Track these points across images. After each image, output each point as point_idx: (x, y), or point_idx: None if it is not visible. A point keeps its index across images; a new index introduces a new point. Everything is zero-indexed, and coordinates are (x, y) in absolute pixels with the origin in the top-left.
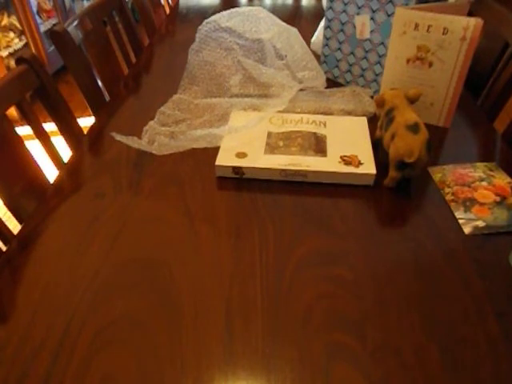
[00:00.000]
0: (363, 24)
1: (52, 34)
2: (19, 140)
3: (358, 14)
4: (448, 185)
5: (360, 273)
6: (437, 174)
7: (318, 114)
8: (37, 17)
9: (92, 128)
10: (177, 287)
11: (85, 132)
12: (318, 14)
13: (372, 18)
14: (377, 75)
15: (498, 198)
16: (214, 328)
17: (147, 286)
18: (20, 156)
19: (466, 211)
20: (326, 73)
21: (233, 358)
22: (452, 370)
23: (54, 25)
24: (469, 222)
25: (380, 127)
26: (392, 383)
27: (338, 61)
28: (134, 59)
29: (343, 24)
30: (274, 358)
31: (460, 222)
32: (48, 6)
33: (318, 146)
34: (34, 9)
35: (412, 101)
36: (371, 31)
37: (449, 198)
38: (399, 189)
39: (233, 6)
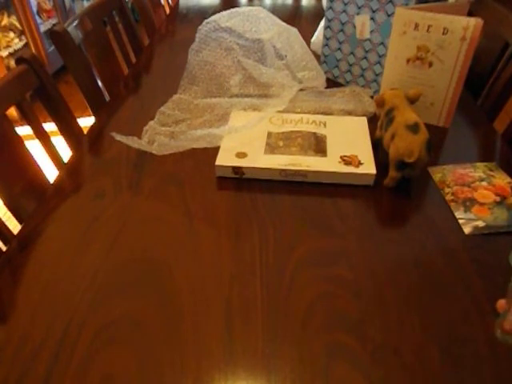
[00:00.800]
0: (363, 24)
1: (52, 33)
2: (19, 140)
3: (357, 13)
4: (448, 185)
5: (360, 273)
6: (437, 174)
7: (318, 113)
8: (37, 17)
9: (92, 128)
10: (177, 287)
11: (85, 132)
12: (318, 13)
13: (372, 18)
14: (377, 75)
15: (497, 198)
16: (214, 328)
17: (147, 286)
18: (20, 156)
19: (465, 211)
20: (326, 73)
21: (233, 357)
22: (452, 370)
23: (54, 25)
24: (469, 221)
25: (380, 127)
26: (392, 383)
27: (337, 61)
28: (134, 59)
29: (343, 24)
30: (274, 358)
31: (460, 221)
32: (48, 5)
33: (318, 146)
34: (34, 9)
35: (412, 101)
36: (371, 31)
37: (449, 198)
38: (399, 189)
39: (233, 6)
